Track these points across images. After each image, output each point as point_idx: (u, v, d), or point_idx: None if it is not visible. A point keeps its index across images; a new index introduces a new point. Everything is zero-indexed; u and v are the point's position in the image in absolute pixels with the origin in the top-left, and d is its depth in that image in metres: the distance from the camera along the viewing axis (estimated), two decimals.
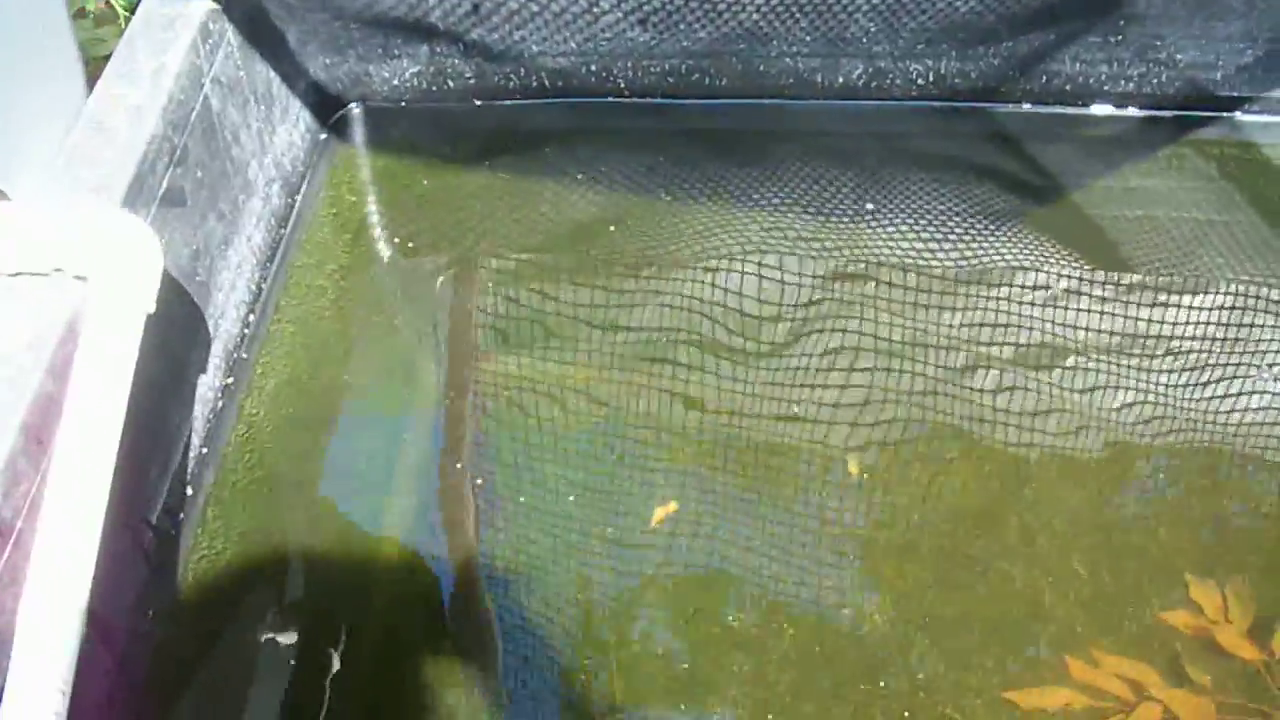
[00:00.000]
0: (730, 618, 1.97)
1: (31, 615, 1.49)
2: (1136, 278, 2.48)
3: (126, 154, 1.98)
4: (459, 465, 2.20)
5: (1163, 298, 2.44)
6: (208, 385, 2.21)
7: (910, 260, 2.51)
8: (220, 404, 2.26)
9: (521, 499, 2.14)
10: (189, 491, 2.13)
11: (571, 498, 2.13)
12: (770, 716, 1.85)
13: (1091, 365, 2.31)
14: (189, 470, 2.14)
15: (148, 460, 1.98)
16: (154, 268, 1.82)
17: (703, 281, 2.48)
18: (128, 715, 1.85)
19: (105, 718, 1.73)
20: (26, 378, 1.66)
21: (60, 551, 1.54)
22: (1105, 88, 2.76)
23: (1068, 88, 2.77)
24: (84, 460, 1.61)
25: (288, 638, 1.98)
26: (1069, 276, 2.47)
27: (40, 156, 1.98)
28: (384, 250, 2.61)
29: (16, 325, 1.73)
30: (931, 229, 2.57)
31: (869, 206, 2.64)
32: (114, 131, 2.02)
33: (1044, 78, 2.76)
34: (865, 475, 2.15)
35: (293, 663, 1.95)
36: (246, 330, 2.38)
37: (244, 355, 2.35)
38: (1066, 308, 2.41)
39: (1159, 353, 2.33)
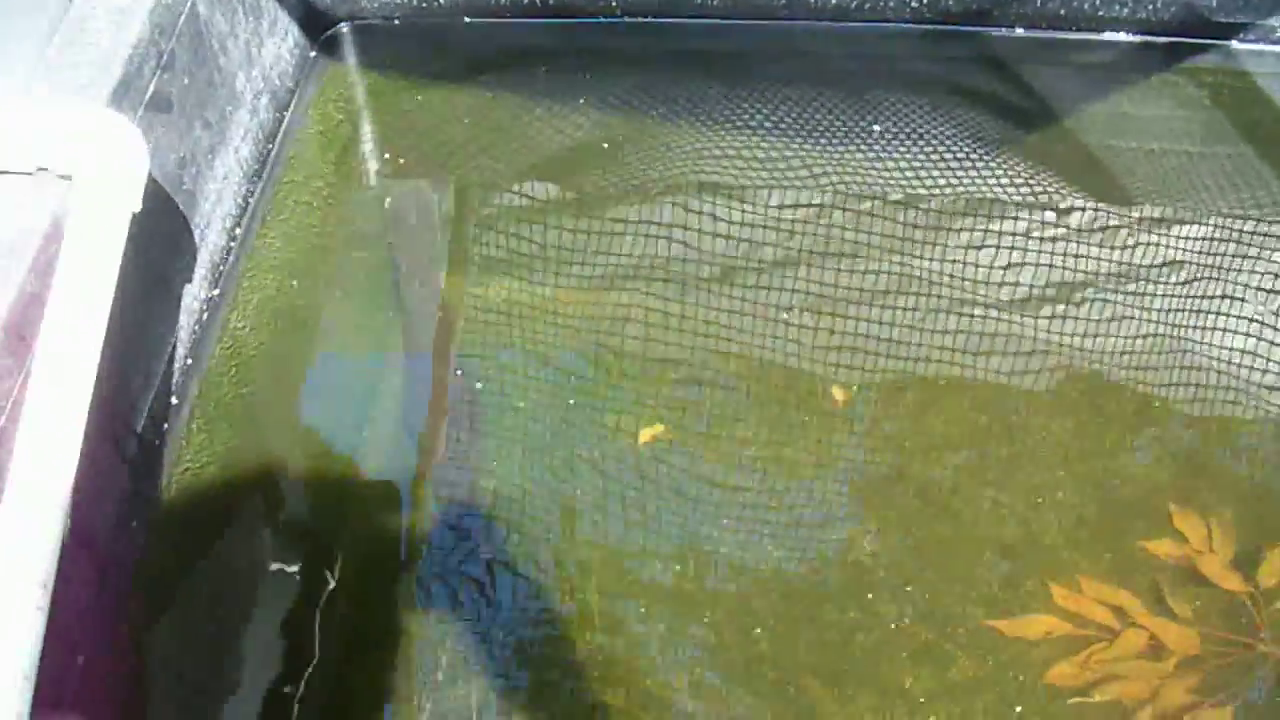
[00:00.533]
0: (715, 539, 1.97)
1: (13, 511, 1.49)
2: (1126, 208, 2.46)
3: (112, 56, 1.96)
4: (443, 384, 2.20)
5: (1153, 228, 2.43)
6: (193, 296, 2.20)
7: (901, 187, 2.49)
8: (205, 316, 2.25)
9: (508, 417, 2.14)
10: (174, 402, 2.13)
11: (558, 416, 2.13)
12: (757, 631, 1.86)
13: (1082, 297, 2.30)
14: (174, 381, 2.13)
15: (132, 368, 1.98)
16: (139, 166, 1.81)
17: (694, 204, 2.47)
18: (110, 623, 1.86)
19: (87, 624, 1.73)
20: (10, 275, 1.66)
21: (43, 448, 1.54)
22: (1100, 13, 2.72)
23: (1062, 12, 2.73)
24: (67, 358, 1.60)
25: (269, 553, 1.99)
26: (1059, 206, 2.46)
27: (24, 56, 1.96)
28: (372, 168, 2.60)
29: (0, 223, 1.72)
30: (921, 155, 2.56)
31: (876, 129, 2.62)
32: (99, 33, 2.00)
33: (1038, 1, 2.72)
34: (852, 404, 2.15)
35: (273, 578, 1.96)
36: (232, 243, 2.37)
37: (230, 268, 2.35)
38: (1056, 239, 2.40)
39: (1148, 284, 2.33)
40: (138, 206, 1.79)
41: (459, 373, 2.20)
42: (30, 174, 1.78)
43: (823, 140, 2.60)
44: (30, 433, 1.54)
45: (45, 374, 1.58)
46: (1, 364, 1.60)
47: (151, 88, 2.04)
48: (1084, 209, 2.45)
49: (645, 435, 2.11)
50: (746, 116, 2.65)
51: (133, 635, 1.92)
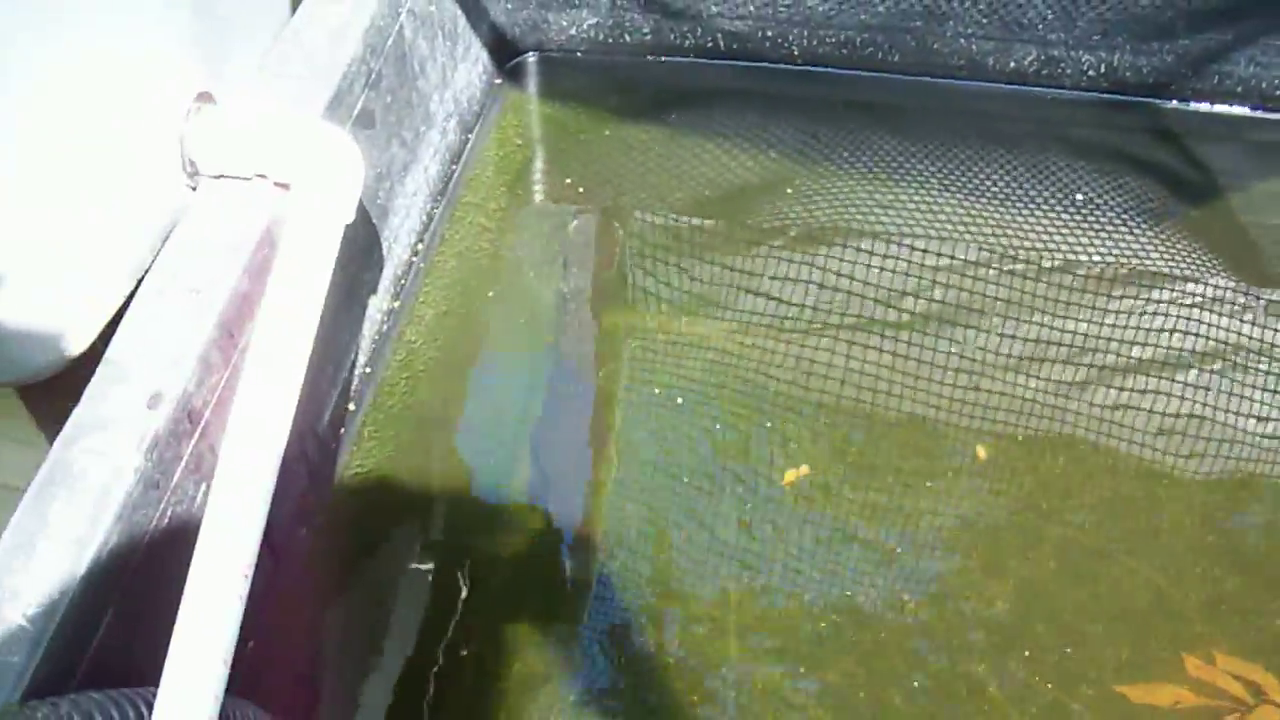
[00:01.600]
0: (852, 585, 1.99)
1: (219, 500, 1.55)
2: None
3: (328, 71, 2.04)
4: (599, 411, 2.25)
5: None
6: (376, 307, 2.27)
7: (1061, 252, 2.50)
8: (385, 327, 2.32)
9: (658, 448, 2.18)
10: (351, 407, 2.20)
11: (707, 452, 2.17)
12: (887, 679, 1.88)
13: (1235, 374, 2.29)
14: (353, 387, 2.20)
15: (320, 372, 2.05)
16: (356, 179, 1.87)
17: (855, 255, 2.49)
18: (278, 611, 1.92)
19: (259, 610, 1.76)
20: (225, 275, 1.73)
21: (250, 442, 1.60)
22: (1278, 91, 2.72)
23: (1239, 89, 2.72)
24: (279, 359, 1.67)
25: (422, 556, 2.05)
26: (1219, 282, 2.45)
27: (246, 66, 2.03)
28: (546, 196, 2.66)
29: (218, 225, 1.80)
30: (1085, 222, 2.56)
31: (1079, 198, 2.62)
32: (316, 49, 2.07)
33: (1216, 77, 2.70)
34: (995, 462, 2.15)
35: (426, 587, 2.02)
36: (414, 258, 2.44)
37: (409, 282, 2.41)
38: (1214, 314, 2.39)
39: None
40: (351, 218, 1.85)
41: (599, 412, 2.25)
42: (248, 179, 1.85)
43: (986, 199, 2.61)
44: (240, 427, 1.61)
45: (257, 373, 1.64)
46: (212, 358, 1.67)
47: (360, 104, 2.11)
48: (1242, 284, 2.44)
49: (790, 476, 2.13)
50: (912, 170, 2.67)
51: (297, 624, 1.98)
